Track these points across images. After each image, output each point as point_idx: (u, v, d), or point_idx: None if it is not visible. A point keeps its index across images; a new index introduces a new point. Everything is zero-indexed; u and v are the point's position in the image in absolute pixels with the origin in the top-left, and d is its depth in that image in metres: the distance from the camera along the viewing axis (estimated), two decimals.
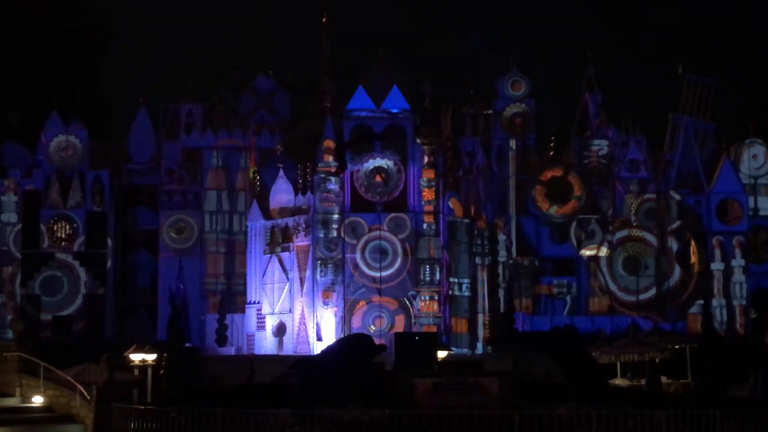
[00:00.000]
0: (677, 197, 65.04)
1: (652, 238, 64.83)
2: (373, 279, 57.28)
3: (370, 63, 61.72)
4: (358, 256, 57.42)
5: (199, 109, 67.03)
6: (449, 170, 62.98)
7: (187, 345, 53.58)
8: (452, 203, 61.05)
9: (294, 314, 58.06)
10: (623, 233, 64.86)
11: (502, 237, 63.46)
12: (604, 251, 64.43)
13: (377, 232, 57.35)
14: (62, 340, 59.65)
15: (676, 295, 64.17)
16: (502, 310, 60.94)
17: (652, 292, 64.19)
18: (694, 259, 64.66)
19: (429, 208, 57.95)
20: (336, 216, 57.65)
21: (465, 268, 60.78)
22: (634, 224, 64.89)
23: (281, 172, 60.44)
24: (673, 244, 64.77)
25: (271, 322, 59.17)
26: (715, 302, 64.11)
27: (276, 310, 59.05)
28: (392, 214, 57.90)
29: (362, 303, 57.32)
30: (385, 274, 57.24)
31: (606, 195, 65.75)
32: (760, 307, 63.28)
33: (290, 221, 59.08)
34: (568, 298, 64.43)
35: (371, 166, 58.39)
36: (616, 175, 66.07)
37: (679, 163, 67.30)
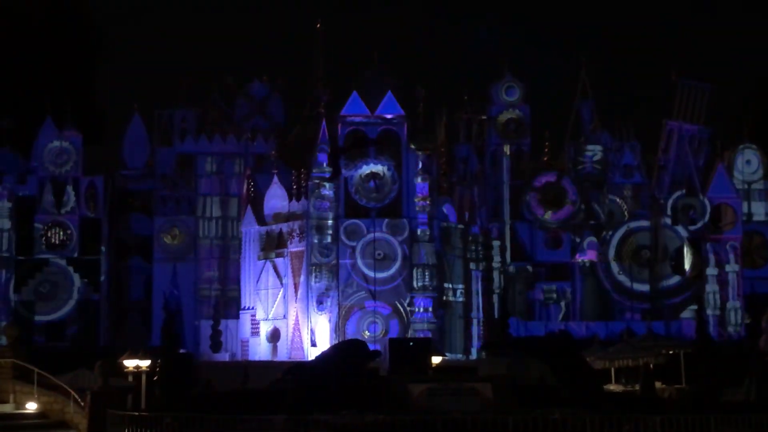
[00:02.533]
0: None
1: (646, 241, 64.87)
2: (368, 283, 57.17)
3: (364, 68, 61.74)
4: (358, 259, 57.28)
5: (193, 115, 67.05)
6: (443, 176, 63.00)
7: (181, 351, 53.56)
8: (446, 209, 61.04)
9: (288, 320, 57.99)
10: (618, 236, 64.83)
11: (496, 242, 63.46)
12: (598, 256, 64.47)
13: (372, 235, 57.25)
14: (56, 346, 59.58)
15: (672, 294, 64.24)
16: (496, 316, 60.94)
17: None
18: (688, 263, 64.71)
19: (423, 213, 57.91)
20: (330, 222, 57.62)
21: (459, 274, 60.76)
22: (628, 228, 64.92)
23: (275, 178, 60.40)
24: (669, 247, 64.83)
25: (265, 328, 59.11)
26: (709, 307, 64.13)
27: (270, 316, 58.99)
28: (386, 220, 57.87)
29: (357, 308, 57.27)
30: (382, 276, 57.11)
31: (600, 200, 65.84)
32: (754, 311, 63.29)
33: (284, 227, 59.04)
34: (562, 304, 64.45)
35: (365, 172, 58.37)
36: (610, 180, 66.13)
37: (673, 169, 67.37)
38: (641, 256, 64.46)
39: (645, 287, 64.22)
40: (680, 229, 64.85)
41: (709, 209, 65.17)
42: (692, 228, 64.89)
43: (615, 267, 64.44)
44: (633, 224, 64.90)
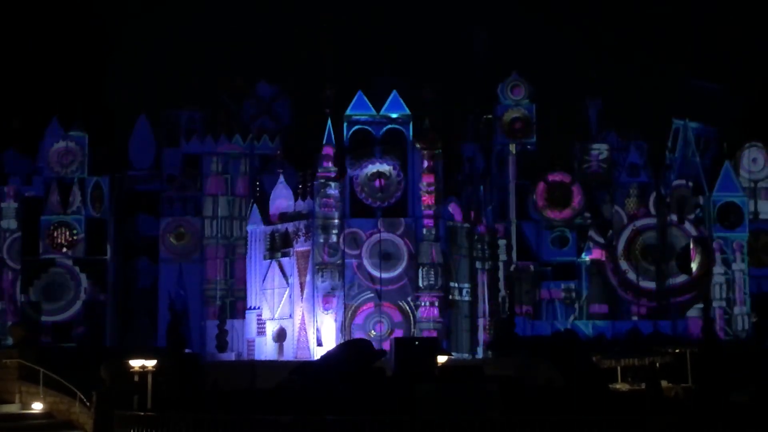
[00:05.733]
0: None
1: (652, 241, 64.79)
2: (374, 283, 57.14)
3: (370, 68, 61.73)
4: (360, 260, 57.24)
5: (199, 115, 67.10)
6: (449, 175, 62.93)
7: (187, 351, 53.53)
8: (452, 208, 61.00)
9: (294, 319, 57.99)
10: (625, 235, 64.78)
11: (502, 242, 63.40)
12: (604, 255, 64.40)
13: (378, 236, 57.19)
14: (62, 346, 59.65)
15: (678, 292, 64.14)
16: (503, 315, 60.89)
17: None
18: (694, 262, 64.60)
19: (429, 213, 57.86)
20: (336, 221, 57.60)
21: (465, 273, 60.69)
22: (635, 226, 64.87)
23: (281, 178, 60.42)
24: (675, 246, 64.70)
25: (271, 328, 59.10)
26: (715, 306, 64.04)
27: (276, 316, 58.98)
28: (392, 219, 57.82)
29: (363, 308, 57.26)
30: (388, 276, 57.03)
31: (606, 199, 65.76)
32: (761, 311, 63.23)
33: (290, 226, 59.01)
34: (576, 306, 64.33)
35: (371, 171, 58.34)
36: (616, 179, 66.06)
37: (679, 168, 67.29)
38: (648, 255, 64.35)
39: (652, 284, 64.05)
40: (688, 226, 64.70)
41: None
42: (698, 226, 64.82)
43: (623, 265, 64.28)
44: (639, 223, 64.74)
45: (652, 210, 64.67)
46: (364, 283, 57.29)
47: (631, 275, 64.16)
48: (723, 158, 67.55)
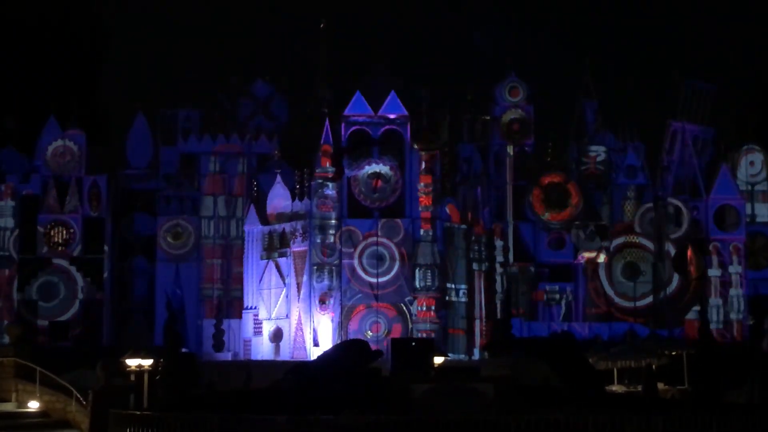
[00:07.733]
0: (676, 203, 64.90)
1: (649, 245, 64.75)
2: (370, 284, 57.18)
3: (368, 68, 61.71)
4: (355, 261, 57.34)
5: (196, 114, 67.04)
6: (447, 176, 62.96)
7: (183, 350, 53.53)
8: (449, 209, 60.99)
9: (291, 320, 58.03)
10: (621, 239, 64.81)
11: (499, 243, 63.40)
12: (602, 257, 64.34)
13: (374, 238, 57.22)
14: (59, 345, 59.64)
15: (673, 302, 64.10)
16: (499, 316, 60.89)
17: (650, 298, 64.10)
18: (691, 265, 64.58)
19: (426, 213, 57.87)
20: (333, 222, 57.64)
21: (462, 274, 60.68)
22: (633, 232, 64.81)
23: (278, 178, 60.43)
24: (671, 250, 64.66)
25: (267, 328, 59.13)
26: (712, 308, 64.05)
27: (273, 316, 59.01)
28: (389, 220, 57.85)
29: (359, 308, 57.27)
30: (382, 279, 57.11)
31: (603, 201, 65.75)
32: (757, 313, 63.28)
33: (287, 227, 59.06)
34: (564, 304, 64.35)
35: (369, 172, 58.36)
36: (613, 181, 66.06)
37: (676, 170, 67.34)
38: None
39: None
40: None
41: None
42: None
43: (616, 271, 64.33)
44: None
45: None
46: (361, 284, 57.27)
47: (626, 281, 64.08)
48: (720, 160, 67.59)
